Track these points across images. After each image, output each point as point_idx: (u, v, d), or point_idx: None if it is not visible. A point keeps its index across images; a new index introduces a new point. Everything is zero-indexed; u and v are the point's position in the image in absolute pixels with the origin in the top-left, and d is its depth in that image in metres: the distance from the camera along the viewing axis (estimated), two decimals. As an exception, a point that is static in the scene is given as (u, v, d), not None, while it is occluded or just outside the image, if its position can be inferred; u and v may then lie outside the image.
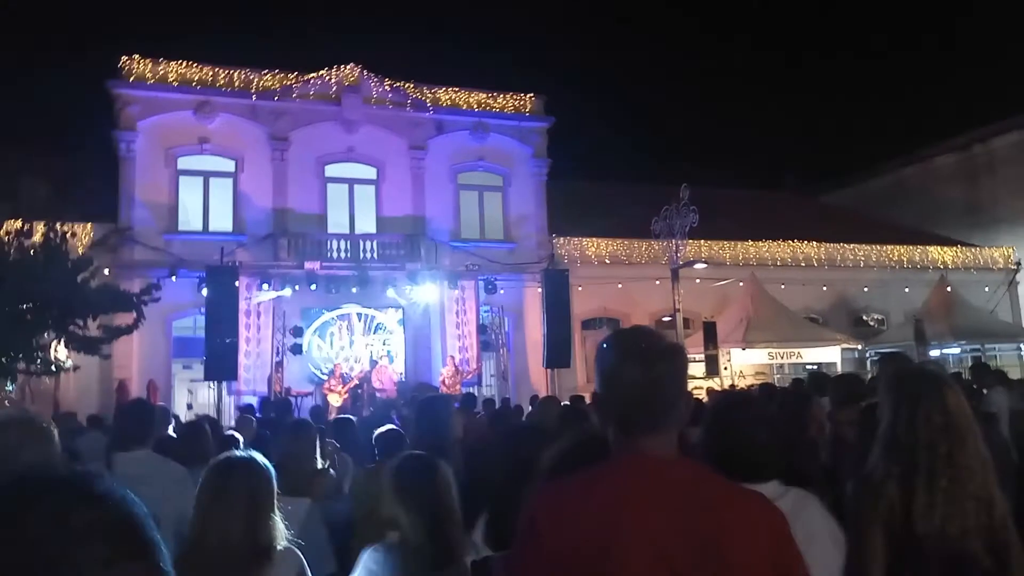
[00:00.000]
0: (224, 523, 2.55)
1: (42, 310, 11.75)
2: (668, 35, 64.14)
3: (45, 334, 12.52)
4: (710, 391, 14.77)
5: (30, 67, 46.10)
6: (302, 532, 3.22)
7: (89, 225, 16.54)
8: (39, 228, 12.38)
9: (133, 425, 4.18)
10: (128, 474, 3.77)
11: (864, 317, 24.95)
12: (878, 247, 25.46)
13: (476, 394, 18.43)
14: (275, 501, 2.74)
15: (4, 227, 12.01)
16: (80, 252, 13.00)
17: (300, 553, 2.80)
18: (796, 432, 4.09)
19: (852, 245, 25.14)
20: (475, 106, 21.98)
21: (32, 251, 12.05)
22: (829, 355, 20.71)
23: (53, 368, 12.96)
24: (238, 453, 2.91)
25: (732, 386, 16.84)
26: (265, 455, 2.88)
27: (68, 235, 12.72)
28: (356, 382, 17.62)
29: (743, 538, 1.54)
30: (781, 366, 20.90)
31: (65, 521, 0.79)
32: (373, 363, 18.45)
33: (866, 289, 24.74)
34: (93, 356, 13.18)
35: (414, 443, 4.25)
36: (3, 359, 11.65)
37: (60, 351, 13.35)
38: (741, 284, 21.77)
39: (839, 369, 19.01)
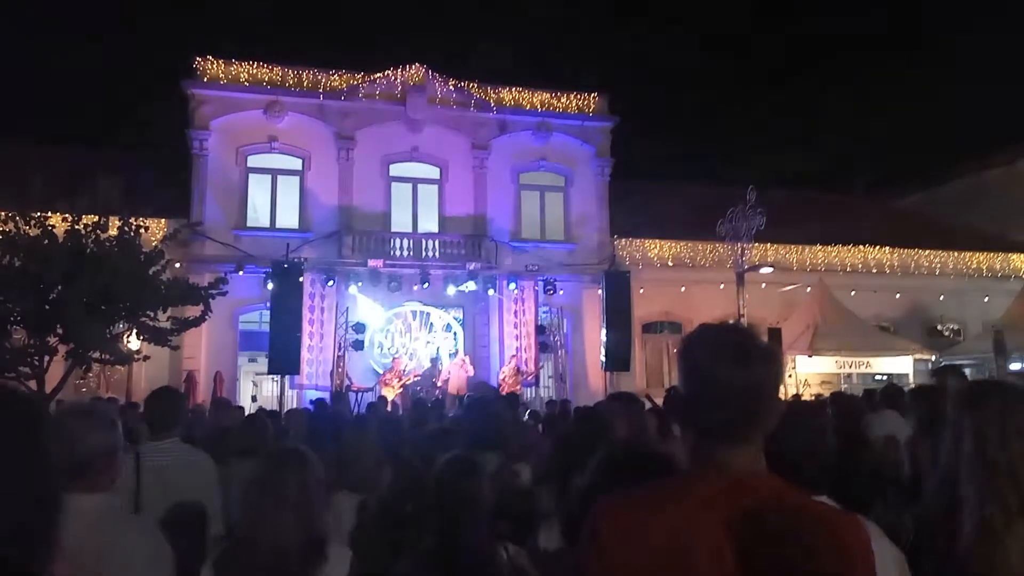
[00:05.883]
0: (276, 517, 2.49)
1: (115, 301, 12.13)
2: (733, 34, 62.92)
3: (118, 325, 12.95)
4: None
5: (107, 69, 48.02)
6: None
7: (162, 220, 17.08)
8: (114, 223, 12.77)
9: (160, 414, 4.17)
10: (153, 464, 3.80)
11: (939, 327, 23.94)
12: (956, 254, 24.48)
13: (534, 395, 18.46)
14: (324, 495, 2.71)
15: (81, 221, 12.45)
16: (153, 246, 13.35)
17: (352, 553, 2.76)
18: (852, 448, 3.85)
19: (927, 251, 24.23)
20: (538, 106, 21.92)
21: (107, 245, 12.47)
22: (901, 365, 19.94)
23: (125, 358, 13.38)
24: (289, 446, 2.90)
25: (796, 395, 16.35)
26: (321, 450, 2.86)
27: (141, 229, 13.12)
28: (414, 379, 17.72)
29: (832, 565, 1.40)
30: (849, 376, 20.22)
31: None
32: (434, 360, 18.51)
33: (942, 298, 23.79)
34: (163, 347, 13.57)
35: (466, 443, 4.22)
36: (79, 348, 12.06)
37: (133, 342, 13.80)
38: (808, 290, 21.19)
39: (911, 380, 18.28)
